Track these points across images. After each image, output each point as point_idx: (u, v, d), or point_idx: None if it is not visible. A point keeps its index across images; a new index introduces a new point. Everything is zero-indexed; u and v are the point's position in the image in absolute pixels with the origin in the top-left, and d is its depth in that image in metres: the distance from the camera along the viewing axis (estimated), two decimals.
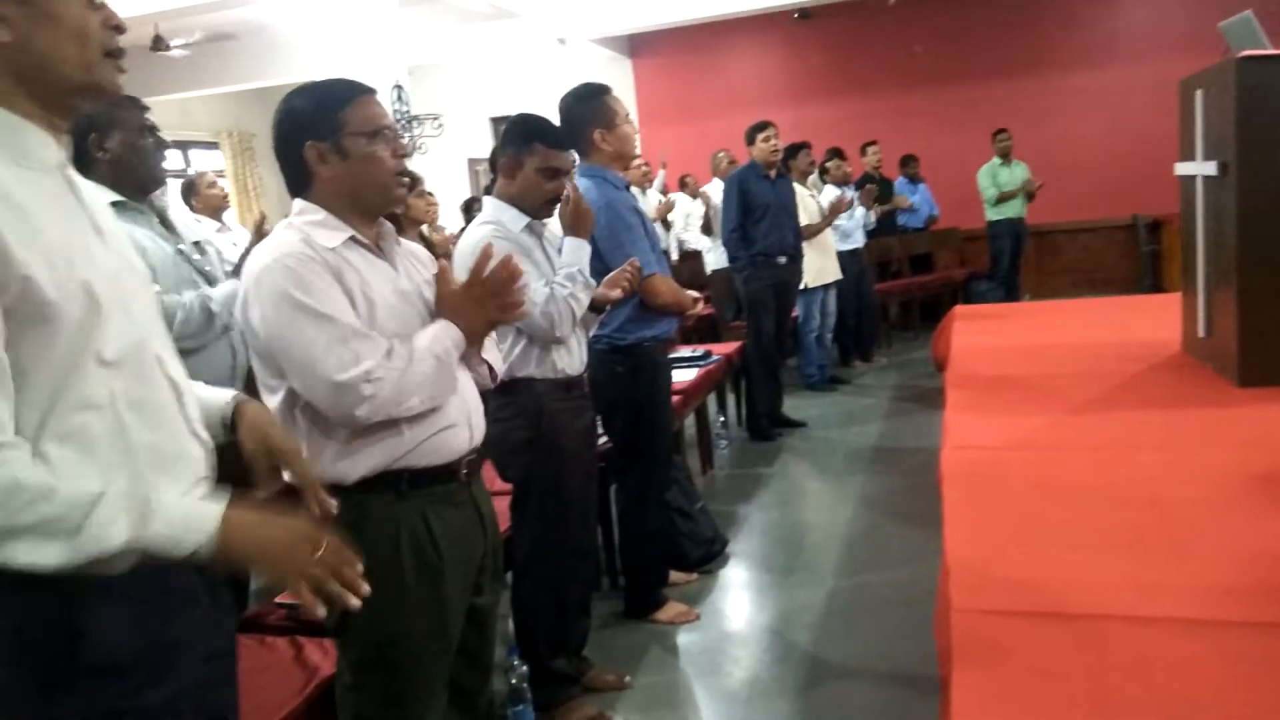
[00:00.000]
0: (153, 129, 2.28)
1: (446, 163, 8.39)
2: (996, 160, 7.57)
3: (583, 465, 2.44)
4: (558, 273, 2.28)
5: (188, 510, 1.09)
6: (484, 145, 10.26)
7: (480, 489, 1.72)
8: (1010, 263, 7.64)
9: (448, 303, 1.61)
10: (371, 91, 1.63)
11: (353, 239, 1.57)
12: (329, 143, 1.55)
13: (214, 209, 4.44)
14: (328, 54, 5.60)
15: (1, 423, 1.00)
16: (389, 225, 1.67)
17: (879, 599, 2.99)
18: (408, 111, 5.54)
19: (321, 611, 1.13)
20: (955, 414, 2.79)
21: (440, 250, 2.80)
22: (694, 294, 2.90)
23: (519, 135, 2.31)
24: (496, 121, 10.22)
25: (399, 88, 5.53)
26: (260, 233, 3.03)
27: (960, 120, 8.77)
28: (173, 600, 1.12)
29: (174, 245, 2.35)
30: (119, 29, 1.13)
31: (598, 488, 2.69)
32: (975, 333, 4.17)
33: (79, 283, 1.06)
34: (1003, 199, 7.51)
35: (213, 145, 10.08)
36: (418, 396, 1.52)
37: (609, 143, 2.72)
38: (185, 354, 1.34)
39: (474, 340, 1.63)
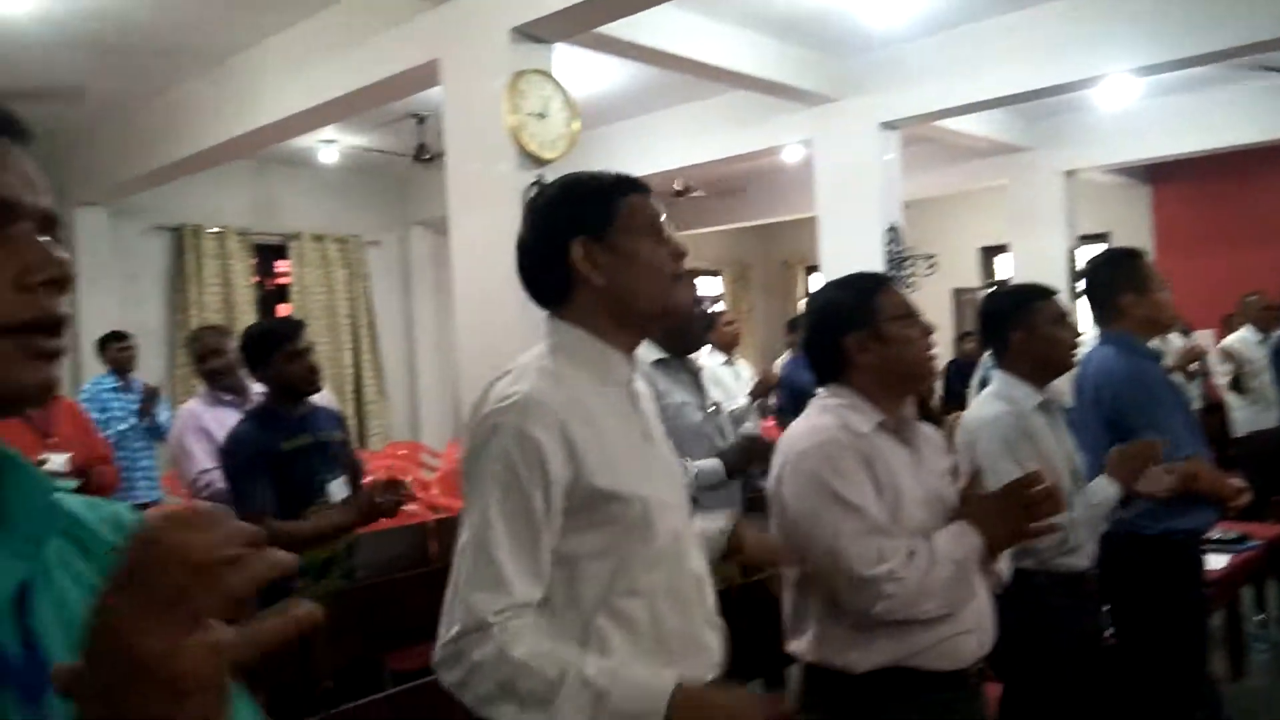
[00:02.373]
0: (699, 300, 2.56)
1: (933, 296, 8.32)
2: None
3: (1083, 670, 2.18)
4: (1089, 499, 2.11)
5: (646, 682, 1.14)
6: (971, 277, 10.02)
7: (983, 695, 1.62)
8: None
9: (974, 507, 1.57)
10: (892, 279, 1.71)
11: (881, 425, 1.60)
12: (867, 330, 1.62)
13: (727, 345, 4.86)
14: (828, 196, 5.92)
15: (508, 585, 1.14)
16: (910, 410, 1.68)
17: None
18: (901, 252, 5.60)
19: None
20: None
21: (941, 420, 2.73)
22: (1237, 483, 2.49)
23: (1015, 302, 2.23)
24: (987, 251, 9.96)
25: (893, 229, 5.63)
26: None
27: None
28: None
29: (699, 404, 2.60)
30: (682, 255, 1.30)
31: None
32: None
33: (632, 491, 1.21)
34: None
35: (714, 274, 11.14)
36: (935, 601, 1.49)
37: (1141, 308, 2.48)
38: None
39: (994, 551, 1.55)
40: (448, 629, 1.16)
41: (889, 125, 5.76)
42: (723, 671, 1.29)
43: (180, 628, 0.47)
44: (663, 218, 1.31)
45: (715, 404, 2.78)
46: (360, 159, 7.57)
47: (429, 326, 8.85)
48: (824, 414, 1.64)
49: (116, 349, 5.01)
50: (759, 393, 4.38)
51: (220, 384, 3.47)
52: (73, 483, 3.11)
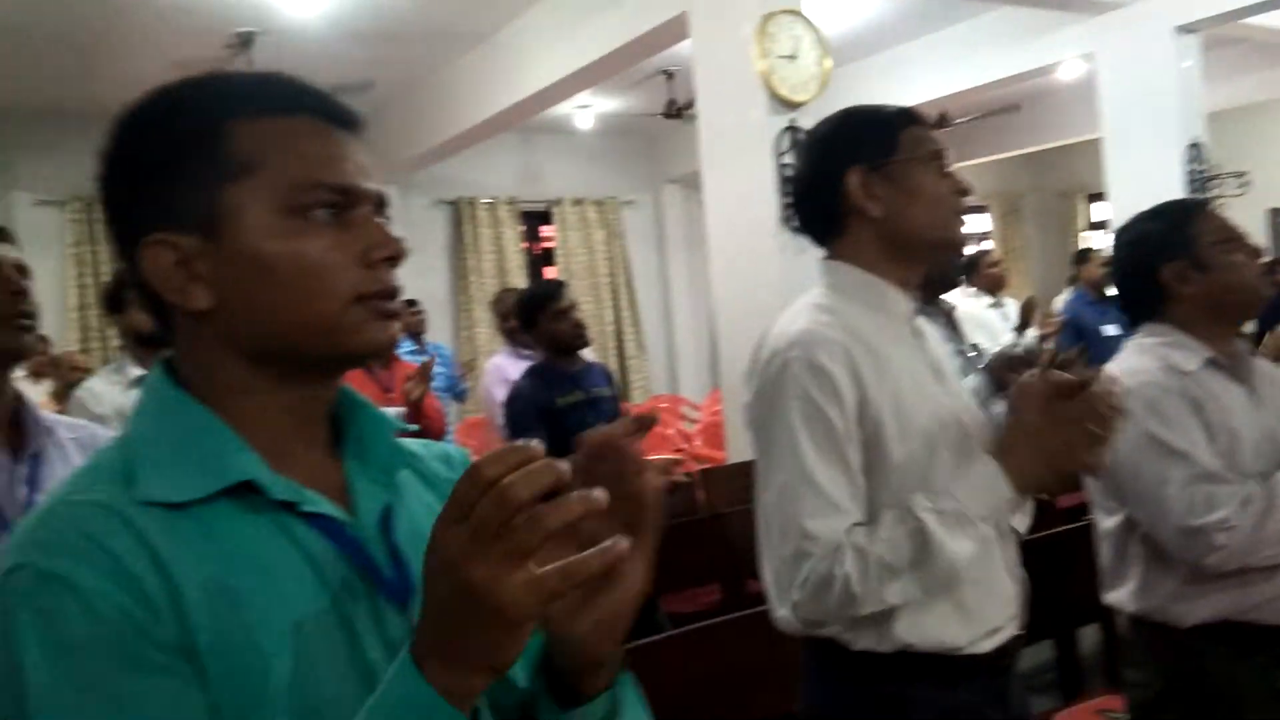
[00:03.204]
0: None
1: (1245, 219, 7.35)
2: None
3: None
4: None
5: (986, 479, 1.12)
6: None
7: None
8: None
9: None
10: (1208, 202, 1.57)
11: (1210, 361, 1.44)
12: (1186, 259, 1.48)
13: (992, 287, 4.55)
14: (1116, 114, 5.34)
15: (842, 506, 1.14)
16: (1242, 344, 1.50)
17: None
18: (1205, 171, 4.96)
19: None
20: None
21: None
22: None
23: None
24: None
25: (1195, 146, 4.99)
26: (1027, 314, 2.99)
27: None
28: None
29: (957, 348, 2.45)
30: (965, 191, 1.23)
31: None
32: None
33: (917, 428, 1.16)
34: None
35: (981, 209, 10.45)
36: (1276, 548, 1.32)
37: None
38: None
39: None
40: (793, 575, 1.14)
41: (1186, 29, 5.09)
42: (1021, 627, 1.22)
43: (505, 561, 0.52)
44: (946, 152, 1.25)
45: (974, 346, 2.60)
46: (614, 121, 7.77)
47: (683, 281, 9.00)
48: (1142, 355, 1.51)
49: (409, 315, 5.51)
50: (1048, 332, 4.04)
51: (519, 340, 3.77)
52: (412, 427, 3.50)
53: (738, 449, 4.01)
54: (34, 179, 6.17)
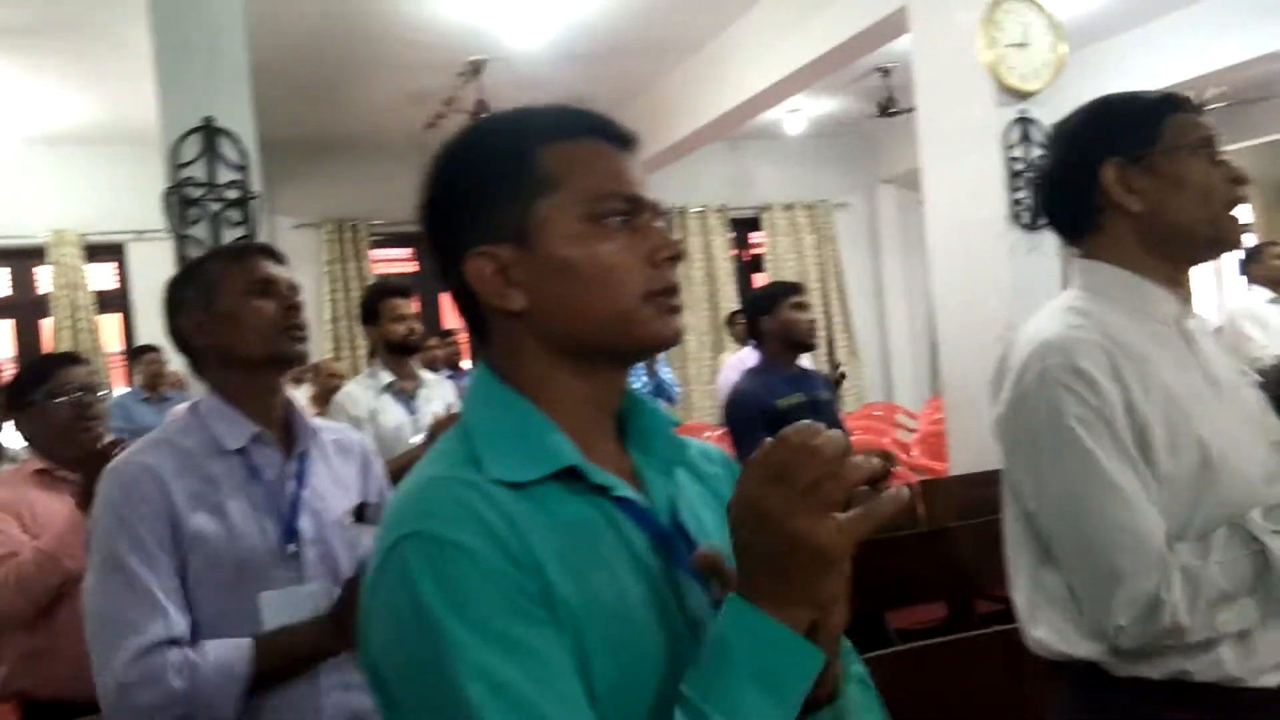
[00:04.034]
0: None
1: None
2: None
3: None
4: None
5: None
6: None
7: None
8: None
9: None
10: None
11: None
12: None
13: (1274, 281, 4.13)
14: None
15: (1155, 522, 1.05)
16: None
17: None
18: None
19: None
20: None
21: None
22: None
23: None
24: None
25: None
26: None
27: None
28: None
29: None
30: (1242, 180, 1.14)
31: None
32: None
33: (1190, 440, 1.06)
34: None
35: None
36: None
37: None
38: None
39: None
40: (1109, 597, 1.06)
41: None
42: None
43: (818, 511, 0.63)
44: (1217, 138, 1.14)
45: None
46: (825, 123, 7.64)
47: (898, 285, 8.71)
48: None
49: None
50: None
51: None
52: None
53: (962, 460, 3.82)
54: (293, 204, 6.84)
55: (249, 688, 1.30)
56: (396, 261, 7.49)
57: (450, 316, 7.50)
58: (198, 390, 1.56)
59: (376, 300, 3.12)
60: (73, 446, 2.13)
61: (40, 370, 2.21)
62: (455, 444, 0.77)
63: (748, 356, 3.98)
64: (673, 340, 0.79)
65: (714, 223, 8.17)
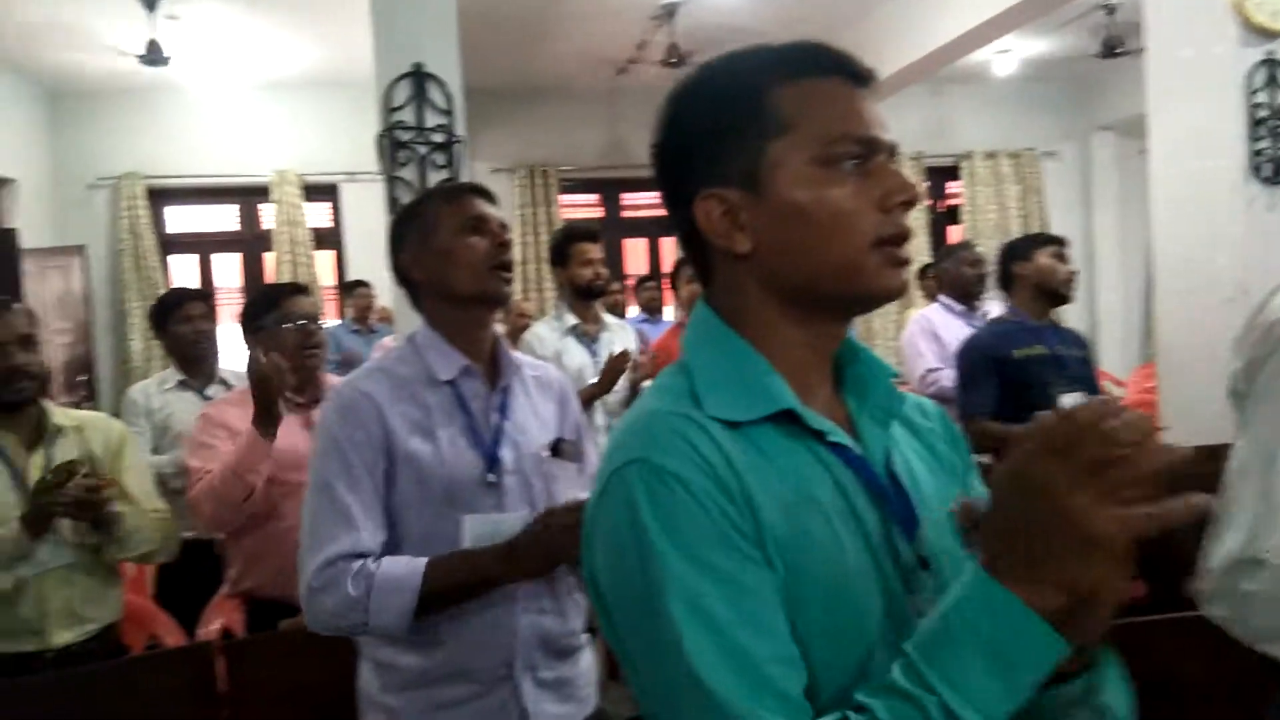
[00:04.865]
0: None
1: None
2: None
3: None
4: None
5: None
6: None
7: None
8: None
9: None
10: None
11: None
12: None
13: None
14: None
15: None
16: None
17: None
18: None
19: None
20: None
21: None
22: None
23: None
24: None
25: None
26: None
27: None
28: None
29: None
30: None
31: None
32: None
33: None
34: None
35: None
36: None
37: None
38: None
39: None
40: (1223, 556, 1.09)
41: None
42: None
43: (1100, 495, 0.58)
44: None
45: None
46: (1038, 65, 7.13)
47: (1112, 240, 8.08)
48: None
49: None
50: None
51: (952, 295, 3.87)
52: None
53: (1175, 433, 3.54)
54: (490, 150, 7.07)
55: (420, 604, 1.38)
56: (583, 207, 7.64)
57: (633, 262, 7.61)
58: (406, 324, 1.66)
59: (566, 243, 3.20)
60: (295, 370, 2.32)
61: (271, 297, 2.40)
62: (675, 381, 0.79)
63: (930, 313, 3.89)
64: (898, 292, 0.76)
65: (909, 172, 7.82)
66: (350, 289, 6.25)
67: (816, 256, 0.75)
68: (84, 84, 6.22)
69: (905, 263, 0.76)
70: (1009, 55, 6.79)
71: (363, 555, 1.39)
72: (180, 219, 6.94)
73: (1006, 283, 2.99)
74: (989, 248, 7.44)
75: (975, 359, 2.93)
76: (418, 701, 1.44)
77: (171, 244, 6.82)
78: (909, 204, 0.75)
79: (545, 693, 1.48)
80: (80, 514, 1.96)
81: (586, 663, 1.60)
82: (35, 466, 2.01)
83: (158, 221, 6.71)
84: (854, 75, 0.79)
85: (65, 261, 5.93)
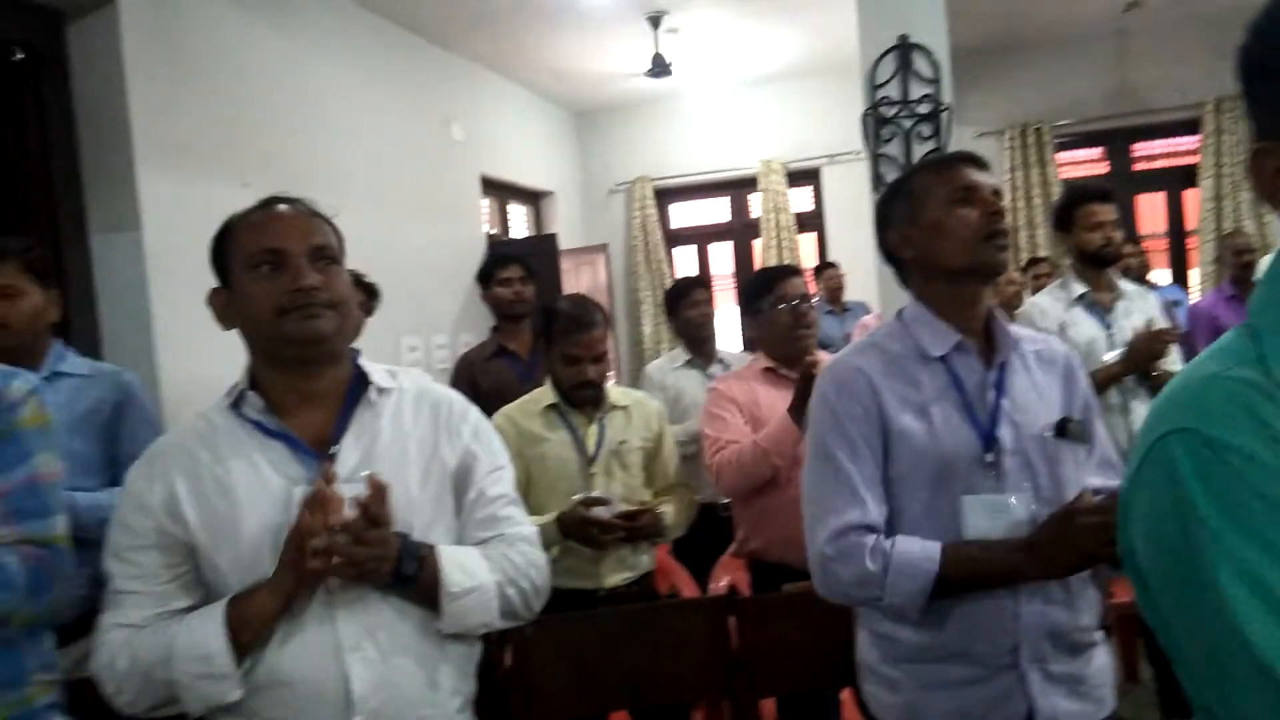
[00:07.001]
0: None
1: None
2: None
3: None
4: None
5: None
6: None
7: None
8: None
9: None
10: None
11: None
12: None
13: None
14: None
15: None
16: None
17: None
18: None
19: None
20: None
21: None
22: None
23: None
24: None
25: None
26: None
27: None
28: None
29: None
30: None
31: None
32: None
33: None
34: None
35: None
36: None
37: None
38: None
39: None
40: None
41: None
42: None
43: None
44: None
45: None
46: None
47: None
48: None
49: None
50: None
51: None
52: None
53: None
54: (974, 114, 6.72)
55: (934, 590, 1.36)
56: (1084, 164, 6.92)
57: (1149, 220, 6.74)
58: (890, 301, 1.65)
59: (1072, 206, 2.92)
60: (790, 348, 2.44)
61: (767, 280, 2.55)
62: (1239, 344, 0.72)
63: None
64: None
65: None
66: (821, 270, 6.39)
67: None
68: (601, 102, 7.13)
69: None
70: None
71: (872, 528, 1.41)
72: (681, 214, 7.66)
73: None
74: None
75: None
76: (918, 676, 1.44)
77: (675, 238, 7.56)
78: None
79: (1055, 687, 1.40)
80: (603, 543, 2.25)
81: (1102, 661, 1.47)
82: (590, 435, 2.38)
83: (663, 218, 7.47)
84: None
85: (592, 259, 6.87)
